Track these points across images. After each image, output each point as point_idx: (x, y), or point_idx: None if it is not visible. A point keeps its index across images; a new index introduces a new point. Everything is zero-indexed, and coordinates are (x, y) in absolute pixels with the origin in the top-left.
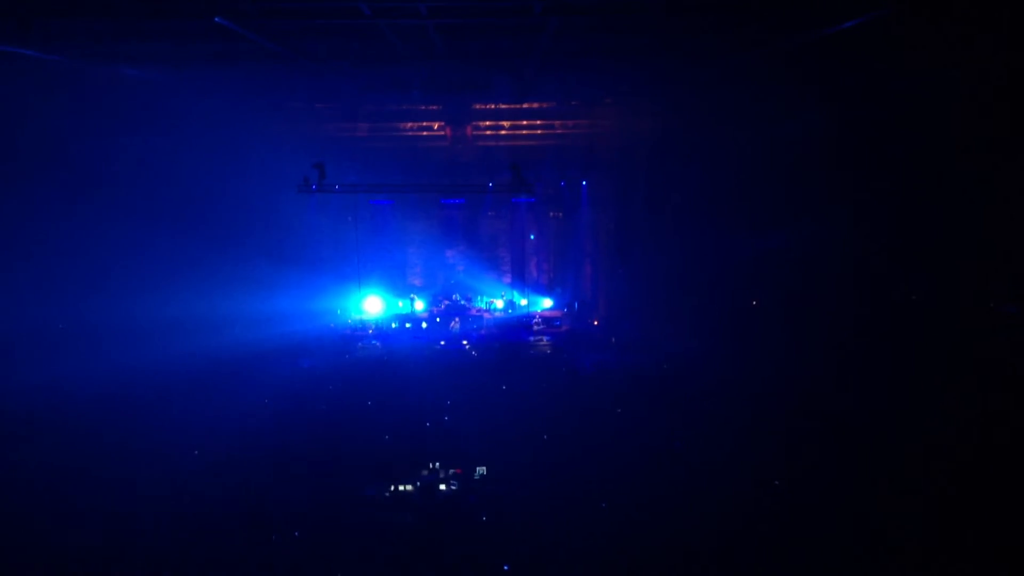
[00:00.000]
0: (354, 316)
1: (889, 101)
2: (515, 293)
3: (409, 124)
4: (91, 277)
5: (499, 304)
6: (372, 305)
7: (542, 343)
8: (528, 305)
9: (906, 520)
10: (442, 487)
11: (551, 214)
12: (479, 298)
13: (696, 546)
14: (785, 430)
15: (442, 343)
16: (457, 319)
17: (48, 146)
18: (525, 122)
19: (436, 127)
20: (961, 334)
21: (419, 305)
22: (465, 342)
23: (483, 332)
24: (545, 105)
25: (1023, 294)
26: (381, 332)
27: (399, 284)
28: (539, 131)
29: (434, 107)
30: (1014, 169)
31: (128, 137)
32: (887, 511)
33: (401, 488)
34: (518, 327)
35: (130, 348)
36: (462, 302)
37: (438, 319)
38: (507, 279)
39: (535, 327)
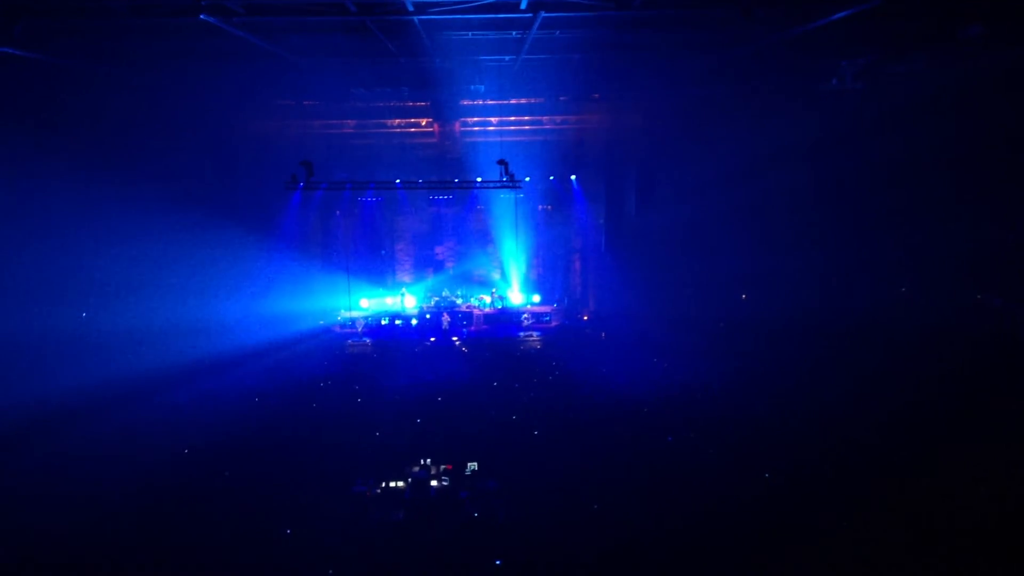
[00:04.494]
0: (343, 314)
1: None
2: (505, 289)
3: (397, 121)
4: (73, 283)
5: (488, 300)
6: (362, 303)
7: (532, 339)
8: (518, 301)
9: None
10: (433, 483)
11: (540, 209)
12: (468, 294)
13: (688, 544)
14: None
15: (432, 339)
16: (447, 315)
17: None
18: (513, 118)
19: (424, 123)
20: None
21: (409, 301)
22: (455, 338)
23: (473, 328)
24: (533, 101)
25: None
26: (371, 329)
27: (388, 281)
28: (527, 127)
29: (422, 103)
30: None
31: (112, 136)
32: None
33: (392, 484)
34: (508, 323)
35: (111, 354)
36: (452, 298)
37: (428, 315)
38: (497, 275)
39: (525, 323)
